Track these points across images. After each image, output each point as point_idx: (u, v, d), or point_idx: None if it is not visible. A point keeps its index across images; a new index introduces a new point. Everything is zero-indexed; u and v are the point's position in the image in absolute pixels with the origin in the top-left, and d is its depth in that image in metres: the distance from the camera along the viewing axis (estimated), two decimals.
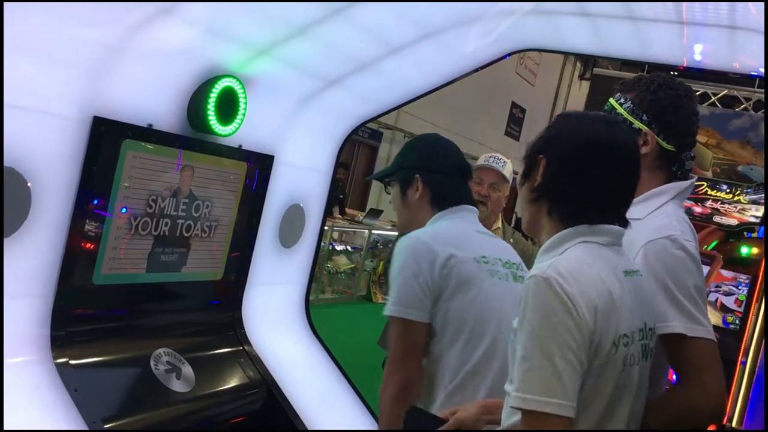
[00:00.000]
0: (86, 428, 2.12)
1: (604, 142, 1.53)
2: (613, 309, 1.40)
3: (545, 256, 1.51)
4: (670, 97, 1.84)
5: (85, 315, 2.39)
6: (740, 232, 6.57)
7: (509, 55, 3.15)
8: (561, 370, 1.30)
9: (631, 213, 1.74)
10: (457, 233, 2.10)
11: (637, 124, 1.84)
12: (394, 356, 2.01)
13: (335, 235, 9.74)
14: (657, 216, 1.77)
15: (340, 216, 10.30)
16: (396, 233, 10.51)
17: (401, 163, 2.26)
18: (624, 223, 1.56)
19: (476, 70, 3.18)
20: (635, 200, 1.77)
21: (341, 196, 10.51)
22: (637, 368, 1.48)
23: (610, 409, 1.42)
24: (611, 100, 1.94)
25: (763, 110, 11.89)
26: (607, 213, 1.53)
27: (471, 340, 1.98)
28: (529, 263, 3.61)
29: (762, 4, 2.07)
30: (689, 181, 1.89)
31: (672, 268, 1.66)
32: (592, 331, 1.35)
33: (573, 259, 1.43)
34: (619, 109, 1.88)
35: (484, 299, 2.01)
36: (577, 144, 1.53)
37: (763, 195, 6.79)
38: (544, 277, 1.37)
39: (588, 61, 20.31)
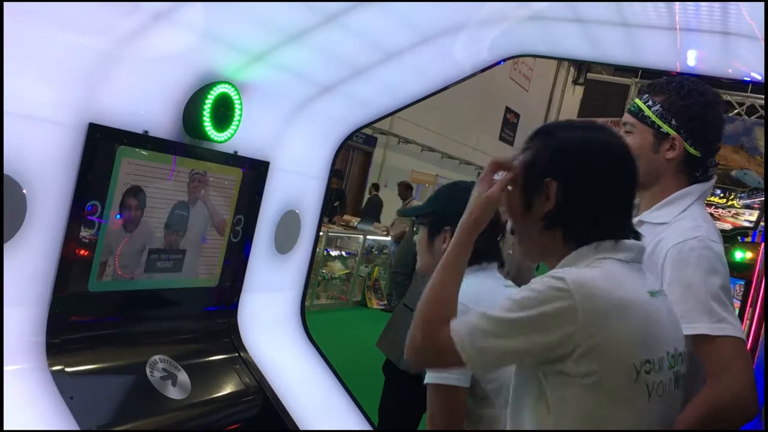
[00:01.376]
0: None
1: (612, 149, 1.46)
2: (640, 333, 1.33)
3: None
4: (700, 104, 1.82)
5: (81, 322, 2.38)
6: (734, 237, 6.60)
7: (504, 60, 3.16)
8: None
9: (657, 217, 1.76)
10: (487, 291, 2.00)
11: (666, 128, 1.83)
12: (438, 423, 1.94)
13: (330, 241, 9.73)
14: (684, 218, 1.77)
15: (340, 223, 10.31)
16: (389, 238, 10.53)
17: (435, 208, 2.18)
18: (637, 235, 1.48)
19: (471, 76, 3.19)
20: (659, 204, 1.80)
21: (336, 204, 10.51)
22: (668, 396, 1.39)
23: None
24: (638, 101, 1.91)
25: (756, 115, 11.94)
26: (624, 225, 1.46)
27: None
28: (528, 272, 3.60)
29: (758, 9, 2.08)
30: (711, 181, 1.89)
31: (699, 269, 1.65)
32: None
33: (600, 273, 1.34)
34: (647, 112, 1.86)
35: None
36: (588, 157, 1.43)
37: (757, 200, 6.82)
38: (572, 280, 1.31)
39: (581, 66, 20.40)
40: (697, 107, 1.82)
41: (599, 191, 1.42)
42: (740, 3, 2.03)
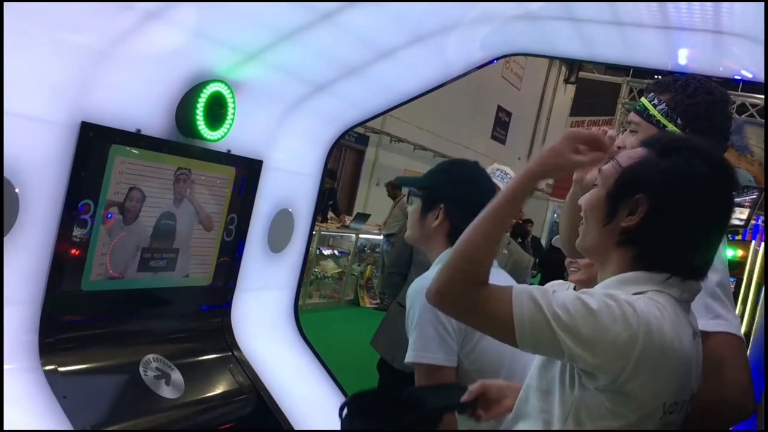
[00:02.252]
0: None
1: (723, 188, 1.34)
2: (679, 378, 1.29)
3: (611, 288, 1.34)
4: (707, 102, 1.79)
5: (74, 321, 2.37)
6: (725, 235, 6.63)
7: (497, 59, 3.16)
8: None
9: None
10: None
11: (671, 127, 1.80)
12: None
13: (322, 240, 9.72)
14: None
15: (334, 220, 10.29)
16: (381, 237, 10.52)
17: (430, 183, 2.15)
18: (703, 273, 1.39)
19: (464, 75, 3.20)
20: None
21: (330, 203, 10.50)
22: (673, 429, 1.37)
23: None
24: (643, 100, 1.89)
25: (746, 114, 11.99)
26: (701, 265, 1.38)
27: (511, 378, 1.87)
28: (523, 274, 3.56)
29: (757, 8, 2.07)
30: None
31: None
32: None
33: (662, 314, 1.27)
34: (653, 110, 1.84)
35: None
36: (696, 188, 1.32)
37: (747, 198, 6.85)
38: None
39: (573, 65, 20.46)
40: (703, 106, 1.79)
41: (688, 228, 1.32)
42: (734, 2, 2.03)
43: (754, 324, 5.55)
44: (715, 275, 1.65)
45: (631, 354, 1.22)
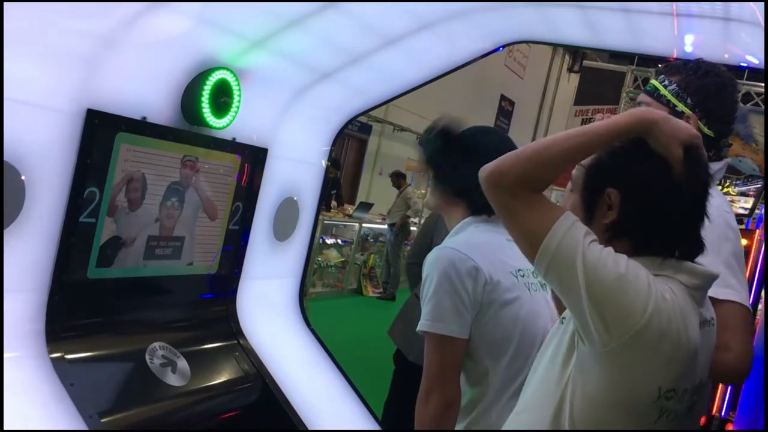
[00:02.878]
0: (83, 423, 2.11)
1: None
2: (679, 366, 1.28)
3: None
4: (716, 84, 1.83)
5: (80, 309, 2.37)
6: None
7: (503, 47, 3.15)
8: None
9: None
10: (493, 245, 1.94)
11: (681, 106, 1.83)
12: (433, 374, 1.87)
13: (325, 229, 9.73)
14: None
15: (336, 209, 10.30)
16: (385, 226, 10.53)
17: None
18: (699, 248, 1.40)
19: (469, 62, 3.18)
20: None
21: (333, 192, 10.50)
22: (675, 423, 1.34)
23: None
24: (654, 81, 1.92)
25: (751, 102, 11.96)
26: (689, 241, 1.38)
27: (517, 359, 1.89)
28: None
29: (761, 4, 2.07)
30: (722, 162, 1.89)
31: (711, 235, 1.61)
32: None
33: (673, 300, 1.26)
34: (663, 91, 1.86)
35: (526, 316, 1.91)
36: (656, 165, 1.34)
37: (752, 187, 6.83)
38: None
39: (576, 54, 20.38)
40: (713, 87, 1.82)
41: (666, 205, 1.33)
42: None
43: (758, 313, 5.53)
44: (728, 244, 1.70)
45: (634, 325, 1.21)
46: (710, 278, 1.39)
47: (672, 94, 1.85)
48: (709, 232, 1.65)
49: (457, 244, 1.94)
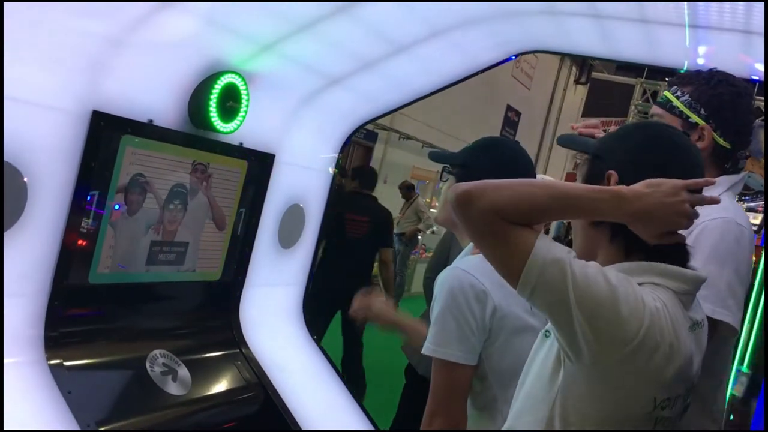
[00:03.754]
0: (80, 431, 2.06)
1: (682, 147, 1.35)
2: (673, 373, 1.25)
3: None
4: (730, 93, 1.79)
5: (80, 315, 2.33)
6: None
7: (516, 56, 3.10)
8: None
9: None
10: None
11: (695, 118, 1.79)
12: (438, 398, 1.81)
13: None
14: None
15: None
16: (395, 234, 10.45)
17: (467, 160, 1.99)
18: (685, 258, 1.36)
19: (481, 71, 3.14)
20: None
21: None
22: (669, 427, 1.33)
23: None
24: (667, 93, 1.88)
25: (760, 118, 11.91)
26: (678, 246, 1.35)
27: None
28: None
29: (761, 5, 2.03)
30: (741, 174, 1.85)
31: (721, 251, 1.63)
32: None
33: (663, 308, 1.24)
34: (676, 102, 1.83)
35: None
36: (655, 153, 1.34)
37: (761, 203, 6.77)
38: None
39: (583, 65, 20.36)
40: (727, 96, 1.78)
41: None
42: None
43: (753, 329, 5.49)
44: (735, 263, 1.67)
45: (630, 341, 1.18)
46: (699, 282, 1.35)
47: (685, 105, 1.81)
48: (717, 243, 1.62)
49: (468, 266, 1.86)
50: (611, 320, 1.18)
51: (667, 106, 1.85)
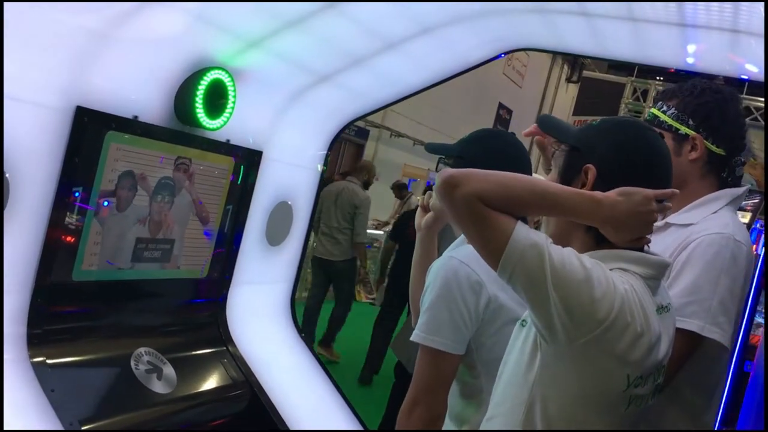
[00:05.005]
0: (63, 430, 2.04)
1: (660, 151, 1.41)
2: (645, 352, 1.32)
3: None
4: (716, 100, 1.80)
5: (64, 312, 2.30)
6: None
7: (505, 54, 3.09)
8: None
9: (686, 219, 1.75)
10: None
11: (684, 129, 1.80)
12: (421, 387, 1.81)
13: None
14: (715, 218, 1.73)
15: None
16: (381, 232, 10.45)
17: (463, 151, 1.98)
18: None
19: (471, 69, 3.12)
20: (688, 207, 1.77)
21: None
22: (642, 407, 1.40)
23: None
24: (653, 110, 1.89)
25: (750, 117, 11.96)
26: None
27: None
28: None
29: (762, 5, 2.02)
30: (743, 188, 1.85)
31: (716, 267, 1.64)
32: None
33: (632, 290, 1.32)
34: (663, 117, 1.83)
35: None
36: (636, 154, 1.39)
37: (750, 202, 6.79)
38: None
39: (575, 64, 20.40)
40: (713, 104, 1.80)
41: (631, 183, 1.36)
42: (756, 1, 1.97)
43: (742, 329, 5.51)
44: (729, 280, 1.65)
45: (603, 321, 1.25)
46: (663, 267, 1.43)
47: (672, 119, 1.82)
48: (711, 259, 1.61)
49: (464, 255, 1.85)
50: (585, 302, 1.24)
51: (655, 122, 1.85)
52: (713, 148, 1.80)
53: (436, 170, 2.06)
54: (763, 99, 11.78)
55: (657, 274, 1.41)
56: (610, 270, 1.33)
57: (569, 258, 1.26)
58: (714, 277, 1.64)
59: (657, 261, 1.41)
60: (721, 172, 1.82)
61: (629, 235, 1.36)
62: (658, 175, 1.40)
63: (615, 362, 1.29)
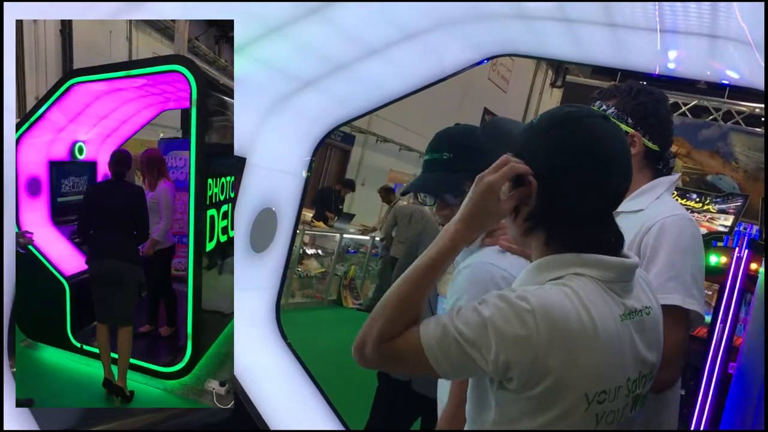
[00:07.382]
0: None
1: (608, 140, 1.30)
2: (600, 364, 1.23)
3: (530, 276, 1.33)
4: (652, 101, 1.96)
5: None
6: (709, 241, 6.62)
7: (488, 59, 3.11)
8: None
9: (633, 206, 1.88)
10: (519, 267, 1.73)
11: (624, 127, 1.94)
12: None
13: (306, 239, 9.65)
14: (660, 204, 1.88)
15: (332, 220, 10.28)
16: (368, 238, 10.46)
17: (467, 163, 1.87)
18: (618, 246, 1.34)
19: (454, 74, 3.14)
20: (632, 195, 1.91)
21: (340, 207, 10.60)
22: (619, 423, 1.31)
23: None
24: (593, 108, 1.95)
25: (732, 121, 12.07)
26: (606, 235, 1.33)
27: None
28: None
29: (754, 11, 2.05)
30: (676, 175, 2.02)
31: (682, 245, 1.76)
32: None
33: (568, 297, 1.22)
34: None
35: None
36: (573, 154, 1.28)
37: (732, 205, 6.86)
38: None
39: (559, 69, 20.50)
40: (649, 104, 1.95)
41: (589, 190, 1.28)
42: (734, 3, 2.01)
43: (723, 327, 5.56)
44: (695, 258, 1.79)
45: (536, 346, 1.18)
46: (626, 268, 1.32)
47: (612, 117, 1.94)
48: (677, 238, 1.76)
49: (490, 258, 1.78)
50: (509, 346, 1.19)
51: None
52: (650, 144, 1.95)
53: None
54: (745, 103, 11.91)
55: (618, 276, 1.30)
56: (561, 277, 1.27)
57: (472, 318, 1.22)
58: (683, 254, 1.76)
59: (616, 262, 1.30)
60: (657, 165, 1.97)
61: (477, 229, 1.32)
62: (616, 165, 1.30)
63: (566, 384, 1.21)
